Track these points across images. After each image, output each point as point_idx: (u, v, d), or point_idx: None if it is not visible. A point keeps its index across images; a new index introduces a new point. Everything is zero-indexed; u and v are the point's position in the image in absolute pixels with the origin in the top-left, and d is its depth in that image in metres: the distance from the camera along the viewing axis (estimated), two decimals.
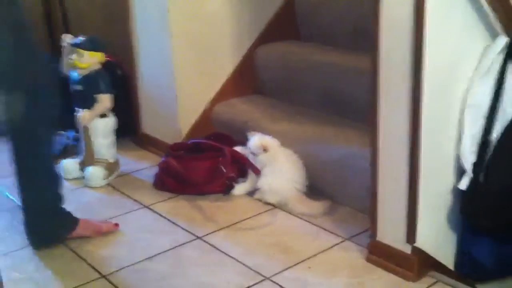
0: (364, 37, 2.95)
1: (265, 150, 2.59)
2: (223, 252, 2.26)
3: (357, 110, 2.79)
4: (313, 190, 2.64)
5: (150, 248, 2.29)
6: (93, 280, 2.11)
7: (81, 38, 2.78)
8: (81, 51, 2.75)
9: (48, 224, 2.28)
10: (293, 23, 3.38)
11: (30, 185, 2.25)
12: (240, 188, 2.69)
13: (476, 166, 1.94)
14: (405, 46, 1.84)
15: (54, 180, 2.31)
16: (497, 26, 1.93)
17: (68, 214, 2.34)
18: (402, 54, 1.86)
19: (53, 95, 2.24)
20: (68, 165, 2.90)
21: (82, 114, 2.80)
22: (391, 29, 1.87)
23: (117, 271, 2.16)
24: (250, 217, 2.51)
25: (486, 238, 2.02)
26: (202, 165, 2.74)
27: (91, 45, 2.77)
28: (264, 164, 2.62)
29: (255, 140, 2.63)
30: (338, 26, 3.15)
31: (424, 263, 2.04)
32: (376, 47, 1.93)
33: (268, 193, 2.59)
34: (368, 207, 2.17)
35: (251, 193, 2.66)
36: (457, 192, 2.03)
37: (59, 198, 2.31)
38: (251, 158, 2.64)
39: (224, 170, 2.68)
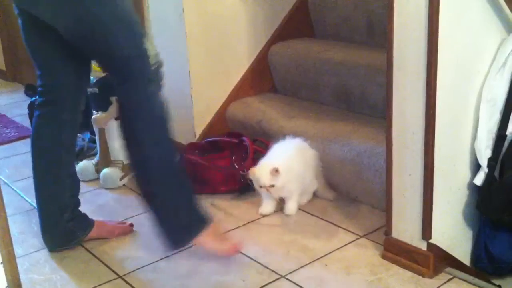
0: (378, 33, 2.97)
1: (277, 171, 2.37)
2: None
3: (373, 106, 2.78)
4: (330, 187, 2.64)
5: None
6: (110, 281, 2.12)
7: None
8: None
9: (64, 227, 2.29)
10: (307, 21, 3.37)
11: (47, 188, 2.26)
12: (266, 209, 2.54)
13: (492, 161, 1.92)
14: (419, 41, 1.83)
15: (73, 183, 2.33)
16: None
17: (84, 216, 2.35)
18: (416, 49, 1.84)
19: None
20: (84, 167, 2.92)
21: (97, 117, 2.82)
22: (405, 24, 1.86)
23: (133, 271, 2.17)
24: (265, 216, 2.51)
25: (503, 233, 2.01)
26: (218, 165, 2.74)
27: None
28: (282, 186, 2.43)
29: (261, 173, 2.42)
30: (352, 22, 3.14)
31: (440, 259, 2.03)
32: (390, 42, 1.92)
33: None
34: (383, 204, 2.16)
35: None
36: (473, 187, 2.02)
37: (75, 201, 2.32)
38: (265, 191, 2.46)
39: (237, 167, 2.68)
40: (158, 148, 2.05)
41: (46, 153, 2.24)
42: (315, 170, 2.57)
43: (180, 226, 2.12)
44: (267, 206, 2.53)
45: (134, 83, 2.02)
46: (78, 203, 2.34)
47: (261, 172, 2.42)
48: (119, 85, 2.05)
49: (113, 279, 2.13)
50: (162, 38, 3.10)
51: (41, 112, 2.23)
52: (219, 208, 2.60)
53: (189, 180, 2.14)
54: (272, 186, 2.41)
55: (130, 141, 2.07)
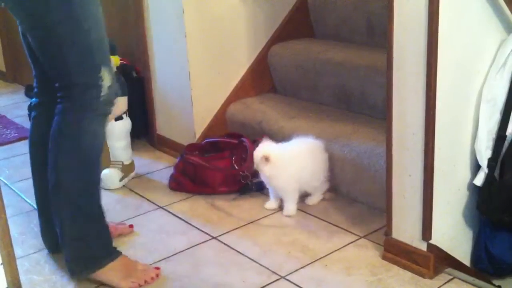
0: (378, 33, 2.97)
1: (267, 160, 2.43)
2: (238, 251, 2.26)
3: (373, 107, 2.78)
4: (330, 187, 2.63)
5: (166, 248, 2.30)
6: None
7: None
8: None
9: None
10: (307, 21, 3.37)
11: (46, 189, 2.25)
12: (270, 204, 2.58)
13: (492, 161, 1.92)
14: (419, 42, 1.83)
15: None
16: None
17: None
18: (416, 49, 1.84)
19: None
20: None
21: None
22: (404, 24, 1.86)
23: None
24: (265, 216, 2.51)
25: (504, 234, 2.01)
26: (219, 165, 2.74)
27: None
28: (270, 176, 2.48)
29: (256, 152, 2.48)
30: (352, 23, 3.14)
31: (440, 260, 2.03)
32: (390, 43, 1.92)
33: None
34: (383, 205, 2.16)
35: (267, 192, 2.64)
36: (473, 188, 2.02)
37: None
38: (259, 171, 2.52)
39: (236, 167, 2.68)
40: (78, 181, 2.01)
41: (43, 154, 2.23)
42: (325, 172, 2.58)
43: (79, 257, 2.09)
44: (272, 202, 2.57)
45: (76, 109, 1.97)
46: None
47: (257, 151, 2.47)
48: (61, 101, 2.00)
49: None
50: (162, 38, 3.11)
51: (37, 113, 2.21)
52: (219, 209, 2.60)
53: (103, 216, 2.09)
54: (261, 169, 2.47)
55: (51, 162, 2.02)
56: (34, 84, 2.20)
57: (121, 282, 2.07)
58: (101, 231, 2.10)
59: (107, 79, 1.96)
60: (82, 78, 1.94)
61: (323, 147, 2.58)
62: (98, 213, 2.08)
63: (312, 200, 2.57)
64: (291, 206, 2.50)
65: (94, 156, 2.03)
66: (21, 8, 1.92)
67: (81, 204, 2.03)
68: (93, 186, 2.06)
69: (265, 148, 2.47)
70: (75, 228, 2.05)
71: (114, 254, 2.10)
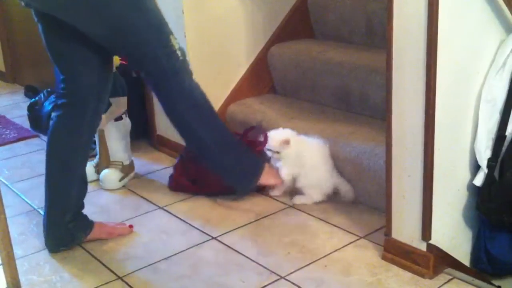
0: (378, 34, 2.97)
1: (286, 143, 2.48)
2: (238, 252, 2.26)
3: (373, 107, 2.78)
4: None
5: (165, 249, 2.30)
6: (109, 282, 2.12)
7: None
8: None
9: (65, 228, 2.29)
10: (307, 22, 3.37)
11: (57, 188, 2.27)
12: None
13: (491, 161, 1.92)
14: (418, 42, 1.83)
15: (82, 185, 2.34)
16: None
17: (84, 217, 2.35)
18: (416, 50, 1.84)
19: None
20: None
21: None
22: (404, 25, 1.86)
23: (133, 272, 2.17)
24: (265, 217, 2.51)
25: (503, 234, 2.01)
26: None
27: None
28: (291, 158, 2.53)
29: (273, 137, 2.54)
30: (351, 23, 3.14)
31: (440, 260, 2.03)
32: (389, 44, 1.91)
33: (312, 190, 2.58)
34: (383, 205, 2.16)
35: (266, 192, 2.66)
36: (472, 188, 2.02)
37: (80, 203, 2.34)
38: (274, 158, 2.56)
39: None
40: (208, 127, 2.36)
41: (61, 154, 2.26)
42: (323, 176, 2.58)
43: (245, 174, 2.53)
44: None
45: (171, 79, 2.20)
46: (82, 206, 2.35)
47: (277, 134, 2.56)
48: (154, 84, 2.23)
49: (112, 280, 2.13)
50: None
51: (62, 112, 2.25)
52: (219, 209, 2.60)
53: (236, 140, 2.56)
54: (277, 152, 2.53)
55: (183, 131, 2.37)
56: (62, 86, 2.24)
57: (274, 179, 2.57)
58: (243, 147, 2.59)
59: (176, 44, 2.18)
60: (161, 51, 2.14)
61: (328, 151, 2.59)
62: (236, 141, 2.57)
63: (299, 199, 2.59)
64: (303, 198, 2.57)
65: (208, 101, 2.35)
66: (94, 17, 2.02)
67: (229, 138, 2.48)
68: (224, 126, 2.50)
69: (285, 132, 2.55)
70: (236, 160, 2.47)
71: (263, 158, 2.59)
